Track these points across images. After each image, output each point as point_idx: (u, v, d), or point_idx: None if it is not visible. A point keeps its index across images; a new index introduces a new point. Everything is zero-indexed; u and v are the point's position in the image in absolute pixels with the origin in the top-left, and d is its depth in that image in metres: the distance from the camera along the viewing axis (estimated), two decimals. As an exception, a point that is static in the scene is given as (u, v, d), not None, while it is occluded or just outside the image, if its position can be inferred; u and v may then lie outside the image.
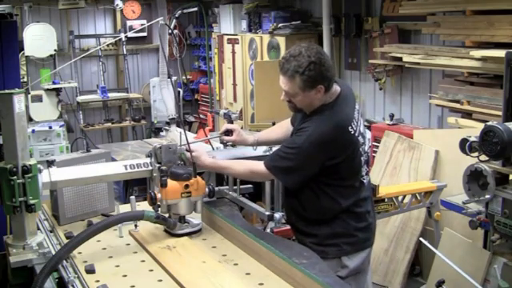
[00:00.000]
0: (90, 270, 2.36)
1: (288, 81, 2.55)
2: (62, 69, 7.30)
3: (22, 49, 7.44)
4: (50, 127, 7.42)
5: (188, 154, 2.72)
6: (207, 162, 2.74)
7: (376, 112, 5.93)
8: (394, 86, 5.62)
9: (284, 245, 2.39)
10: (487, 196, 3.17)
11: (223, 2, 7.59)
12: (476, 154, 3.17)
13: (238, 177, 2.93)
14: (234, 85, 7.39)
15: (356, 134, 2.59)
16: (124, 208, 2.98)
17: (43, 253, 2.53)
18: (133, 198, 2.79)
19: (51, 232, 2.87)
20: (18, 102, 2.51)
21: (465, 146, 3.20)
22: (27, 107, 7.18)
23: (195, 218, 2.82)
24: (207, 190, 2.77)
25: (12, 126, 2.49)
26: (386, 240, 4.67)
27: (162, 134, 6.67)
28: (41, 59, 7.95)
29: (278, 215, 2.95)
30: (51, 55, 7.88)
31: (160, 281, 2.29)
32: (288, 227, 2.97)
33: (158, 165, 2.74)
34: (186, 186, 2.65)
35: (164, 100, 6.37)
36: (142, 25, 8.05)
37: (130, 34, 8.22)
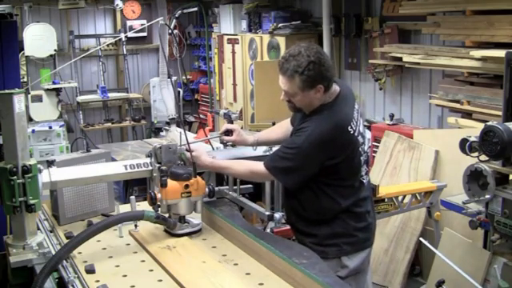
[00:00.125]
0: (90, 270, 2.36)
1: (287, 80, 2.55)
2: (62, 69, 7.30)
3: (22, 49, 7.44)
4: (50, 127, 7.42)
5: (188, 154, 2.72)
6: (207, 161, 2.74)
7: (376, 112, 5.93)
8: (394, 86, 5.62)
9: (284, 245, 2.39)
10: (487, 196, 3.17)
11: (223, 1, 7.59)
12: (476, 154, 3.17)
13: (237, 177, 2.93)
14: (234, 85, 7.39)
15: (355, 134, 2.59)
16: (124, 208, 2.98)
17: (43, 253, 2.53)
18: (133, 198, 2.79)
19: (51, 232, 2.87)
20: (18, 102, 2.51)
21: (465, 146, 3.20)
22: (27, 107, 7.18)
23: (195, 218, 2.82)
24: (207, 189, 2.77)
25: (12, 126, 2.49)
26: (385, 240, 4.67)
27: (162, 134, 6.67)
28: (41, 59, 7.95)
29: (277, 215, 2.95)
30: (51, 55, 7.88)
31: (160, 281, 2.29)
32: (288, 227, 2.97)
33: (157, 165, 2.74)
34: (186, 186, 2.65)
35: (164, 100, 6.37)
36: (142, 25, 8.05)
37: (130, 34, 8.22)
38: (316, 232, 2.66)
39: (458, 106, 4.61)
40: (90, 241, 2.46)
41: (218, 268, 2.34)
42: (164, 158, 2.75)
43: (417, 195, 4.08)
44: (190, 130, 8.59)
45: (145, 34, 8.74)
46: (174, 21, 7.73)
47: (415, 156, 4.74)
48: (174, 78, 7.58)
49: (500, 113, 3.51)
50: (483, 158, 3.13)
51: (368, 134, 5.22)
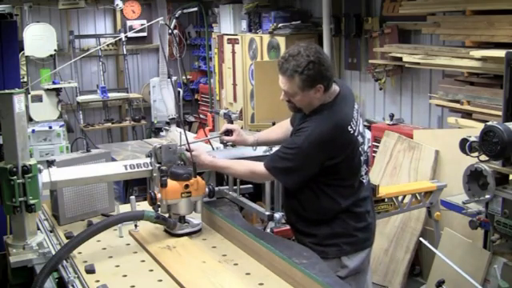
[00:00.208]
0: (90, 270, 2.36)
1: (287, 80, 2.55)
2: (62, 69, 7.30)
3: (22, 49, 7.44)
4: (50, 127, 7.42)
5: (188, 154, 2.72)
6: (207, 161, 2.74)
7: (376, 112, 5.93)
8: (394, 86, 5.62)
9: (284, 245, 2.39)
10: (487, 196, 3.17)
11: (223, 1, 7.59)
12: (476, 154, 3.17)
13: (237, 177, 2.93)
14: (234, 85, 7.39)
15: (355, 134, 2.59)
16: (124, 208, 2.98)
17: (43, 253, 2.53)
18: (133, 198, 2.79)
19: (51, 232, 2.87)
20: (18, 102, 2.51)
21: (465, 146, 3.20)
22: (27, 107, 7.18)
23: (195, 218, 2.82)
24: (207, 189, 2.77)
25: (12, 126, 2.49)
26: (385, 240, 4.67)
27: (162, 133, 6.67)
28: (41, 59, 7.95)
29: (278, 215, 2.95)
30: (51, 55, 7.88)
31: (160, 281, 2.29)
32: (288, 227, 2.97)
33: (158, 165, 2.74)
34: (186, 186, 2.65)
35: (164, 100, 6.37)
36: (142, 25, 8.05)
37: (130, 34, 8.22)
38: (316, 232, 2.66)
39: (458, 106, 4.61)
40: (90, 241, 2.46)
41: (218, 268, 2.34)
42: (164, 158, 2.75)
43: (417, 195, 4.08)
44: (189, 130, 8.59)
45: (145, 34, 8.74)
46: (174, 21, 7.73)
47: (415, 156, 4.74)
48: (174, 78, 7.58)
49: (500, 113, 3.50)
50: (483, 158, 3.13)
51: (368, 134, 5.22)
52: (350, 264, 2.65)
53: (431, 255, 4.05)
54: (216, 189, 2.92)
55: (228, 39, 7.46)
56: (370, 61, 5.62)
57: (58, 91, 7.86)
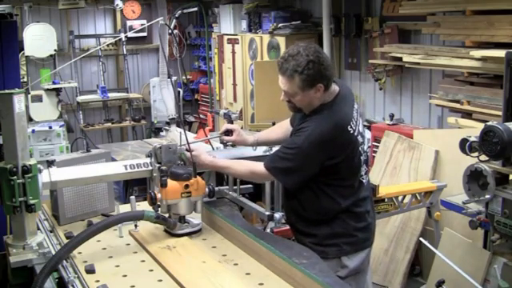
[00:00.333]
0: (90, 270, 2.36)
1: (287, 80, 2.55)
2: (62, 69, 7.30)
3: (22, 49, 7.44)
4: (50, 127, 7.42)
5: (188, 154, 2.72)
6: (207, 160, 2.74)
7: (376, 112, 5.93)
8: (393, 86, 5.62)
9: (284, 245, 2.39)
10: (487, 196, 3.17)
11: (223, 1, 7.59)
12: (476, 154, 3.17)
13: (237, 177, 2.93)
14: (234, 85, 7.39)
15: (355, 134, 2.59)
16: (124, 208, 2.98)
17: (43, 253, 2.53)
18: (133, 198, 2.79)
19: (51, 232, 2.87)
20: (18, 102, 2.51)
21: (465, 146, 3.20)
22: (27, 107, 7.18)
23: (195, 218, 2.82)
24: (207, 189, 2.76)
25: (12, 126, 2.49)
26: (385, 240, 4.67)
27: (162, 133, 6.67)
28: (41, 59, 7.95)
29: (278, 215, 2.95)
30: (51, 55, 7.88)
31: (160, 281, 2.29)
32: (288, 227, 2.97)
33: (158, 165, 2.74)
34: (186, 186, 2.65)
35: (164, 100, 6.37)
36: (142, 25, 8.05)
37: (130, 34, 8.22)
38: (316, 232, 2.66)
39: (458, 106, 4.61)
40: (90, 241, 2.45)
41: (218, 268, 2.34)
42: (164, 158, 2.75)
43: (417, 195, 4.08)
44: (189, 130, 8.59)
45: (145, 34, 8.74)
46: (174, 21, 7.73)
47: (415, 156, 4.74)
48: (174, 78, 7.58)
49: (500, 113, 3.50)
50: (483, 158, 3.13)
51: (367, 134, 5.22)
52: (349, 264, 2.65)
53: (431, 255, 4.05)
54: (216, 189, 2.92)
55: (228, 39, 7.46)
56: (370, 61, 5.62)
57: (58, 91, 7.86)
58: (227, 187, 3.14)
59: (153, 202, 2.64)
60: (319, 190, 2.62)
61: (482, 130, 3.05)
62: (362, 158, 2.67)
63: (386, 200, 3.91)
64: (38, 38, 7.68)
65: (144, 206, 2.85)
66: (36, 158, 4.35)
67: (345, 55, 6.24)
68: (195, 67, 9.31)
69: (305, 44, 2.56)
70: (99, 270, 2.38)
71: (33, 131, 7.17)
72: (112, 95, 8.52)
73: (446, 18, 4.84)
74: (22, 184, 2.49)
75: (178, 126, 6.00)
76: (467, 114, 4.58)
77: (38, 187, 2.56)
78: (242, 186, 3.05)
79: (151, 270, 2.39)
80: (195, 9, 8.23)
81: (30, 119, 7.49)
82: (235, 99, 7.39)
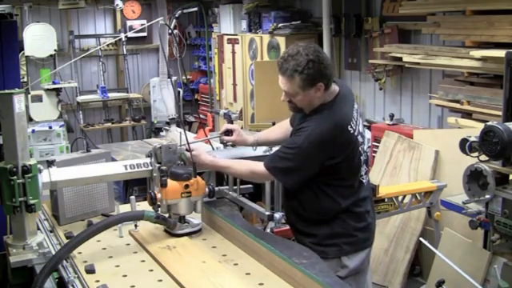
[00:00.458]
0: (90, 270, 2.36)
1: (287, 80, 2.55)
2: (62, 69, 7.30)
3: (22, 49, 7.44)
4: (50, 127, 7.42)
5: (188, 154, 2.71)
6: (207, 160, 2.74)
7: (376, 112, 5.93)
8: (393, 86, 5.62)
9: (284, 245, 2.39)
10: (487, 196, 3.17)
11: (223, 1, 7.59)
12: (476, 154, 3.17)
13: (237, 176, 2.93)
14: (234, 85, 7.39)
15: (355, 134, 2.59)
16: (124, 208, 2.98)
17: (43, 253, 2.53)
18: (133, 198, 2.79)
19: (51, 232, 2.87)
20: (18, 102, 2.51)
21: (465, 146, 3.20)
22: (27, 107, 7.18)
23: (195, 218, 2.82)
24: (207, 189, 2.76)
25: (12, 126, 2.49)
26: (385, 240, 4.67)
27: (162, 133, 6.67)
28: (41, 59, 7.95)
29: (278, 215, 2.95)
30: (51, 55, 7.88)
31: (160, 281, 2.29)
32: (288, 227, 2.97)
33: (158, 165, 2.74)
34: (186, 186, 2.65)
35: (164, 100, 6.37)
36: (142, 25, 8.05)
37: (130, 34, 8.22)
38: (316, 232, 2.66)
39: (458, 106, 4.61)
40: (90, 241, 2.45)
41: (218, 268, 2.34)
42: (164, 158, 2.75)
43: (417, 195, 4.08)
44: (189, 130, 8.59)
45: (145, 34, 8.74)
46: (174, 21, 7.73)
47: (415, 156, 4.74)
48: (174, 78, 7.58)
49: (500, 113, 3.50)
50: (483, 158, 3.13)
51: (367, 134, 5.22)
52: (349, 264, 2.65)
53: (431, 255, 4.05)
54: (216, 189, 2.92)
55: (228, 39, 7.46)
56: (370, 61, 5.62)
57: (58, 91, 7.86)
58: (227, 187, 3.14)
59: (153, 201, 2.63)
60: (319, 189, 2.62)
61: (482, 130, 3.05)
62: (362, 158, 2.67)
63: (386, 200, 3.91)
64: (37, 38, 7.68)
65: (144, 206, 2.85)
66: (36, 158, 4.35)
67: (345, 55, 6.24)
68: (195, 67, 9.31)
69: (304, 44, 2.57)
70: (99, 269, 2.38)
71: (33, 131, 7.17)
72: (112, 95, 8.52)
73: (446, 18, 4.84)
74: (22, 184, 2.49)
75: (178, 126, 6.00)
76: (467, 114, 4.58)
77: (38, 187, 2.56)
78: (242, 186, 3.05)
79: (151, 270, 2.39)
80: (195, 9, 8.23)
81: (30, 119, 7.49)
82: (235, 99, 7.39)
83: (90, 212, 3.06)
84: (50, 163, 2.73)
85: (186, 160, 2.75)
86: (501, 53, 3.60)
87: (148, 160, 2.81)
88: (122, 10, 8.57)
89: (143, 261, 2.49)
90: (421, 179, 4.55)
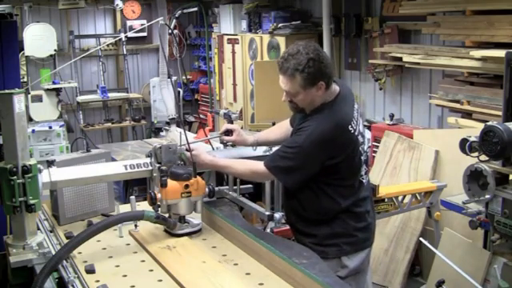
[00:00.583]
0: (90, 270, 2.36)
1: (288, 80, 2.55)
2: (62, 69, 7.30)
3: (22, 49, 7.44)
4: (50, 127, 7.42)
5: (188, 154, 2.71)
6: (207, 160, 2.74)
7: (376, 112, 5.93)
8: (393, 86, 5.62)
9: (284, 245, 2.39)
10: (487, 196, 3.17)
11: (223, 1, 7.59)
12: (476, 154, 3.17)
13: (237, 176, 2.92)
14: (234, 85, 7.39)
15: (356, 134, 2.60)
16: (124, 208, 2.98)
17: (43, 253, 2.53)
18: (133, 198, 2.79)
19: (51, 232, 2.87)
20: (18, 102, 2.51)
21: (465, 146, 3.20)
22: (27, 107, 7.18)
23: (195, 218, 2.82)
24: (207, 189, 2.76)
25: (12, 126, 2.49)
26: (385, 240, 4.67)
27: (162, 133, 6.67)
28: (41, 59, 7.95)
29: (278, 215, 2.95)
30: (51, 55, 7.88)
31: (160, 281, 2.29)
32: (288, 227, 2.97)
33: (158, 165, 2.74)
34: (186, 186, 2.65)
35: (164, 100, 6.37)
36: (142, 25, 8.05)
37: (130, 34, 8.22)
38: (316, 232, 2.66)
39: (458, 106, 4.61)
40: (90, 241, 2.45)
41: (218, 268, 2.34)
42: (164, 158, 2.75)
43: (417, 195, 4.08)
44: (189, 130, 8.59)
45: (145, 34, 8.74)
46: (174, 21, 7.72)
47: (415, 156, 4.74)
48: (174, 78, 7.58)
49: (500, 113, 3.50)
50: (483, 158, 3.13)
51: (367, 134, 5.22)
52: (350, 264, 2.65)
53: (431, 255, 4.05)
54: (216, 189, 2.92)
55: (228, 39, 7.46)
56: (370, 61, 5.62)
57: (58, 91, 7.86)
58: (227, 187, 3.14)
59: (153, 201, 2.63)
60: (319, 189, 2.62)
61: (482, 130, 3.05)
62: (362, 157, 2.67)
63: (386, 200, 3.91)
64: (38, 38, 7.68)
65: (144, 206, 2.85)
66: (36, 158, 4.35)
67: (345, 55, 6.24)
68: (195, 67, 9.31)
69: (304, 43, 2.57)
70: (99, 269, 2.38)
71: (33, 131, 7.17)
72: (112, 95, 8.52)
73: (446, 18, 4.84)
74: (22, 184, 2.49)
75: (178, 125, 5.99)
76: (467, 114, 4.58)
77: (38, 187, 2.56)
78: (242, 186, 3.05)
79: (151, 270, 2.39)
80: (195, 9, 8.23)
81: (30, 119, 7.49)
82: (235, 99, 7.39)
83: (89, 212, 3.05)
84: (49, 163, 2.73)
85: (186, 160, 2.75)
86: (501, 53, 3.60)
87: (148, 160, 2.81)
88: (121, 10, 8.57)
89: (143, 261, 2.49)
90: (421, 179, 4.55)
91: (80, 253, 2.52)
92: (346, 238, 2.65)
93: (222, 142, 3.29)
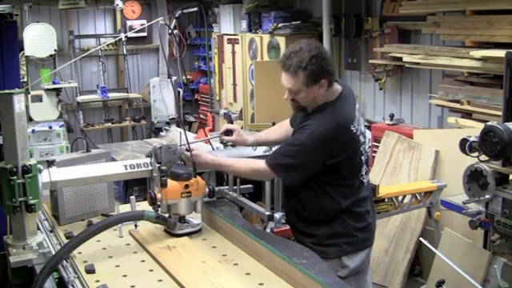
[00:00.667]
0: (90, 270, 2.36)
1: (291, 77, 2.54)
2: (62, 69, 7.30)
3: (22, 49, 7.44)
4: (50, 127, 7.42)
5: (188, 154, 2.71)
6: (208, 159, 2.73)
7: (376, 112, 5.93)
8: (393, 86, 5.62)
9: (284, 245, 2.39)
10: (487, 196, 3.17)
11: (223, 1, 7.59)
12: (476, 154, 3.17)
13: (239, 175, 2.91)
14: (234, 85, 7.39)
15: (357, 133, 2.60)
16: (124, 208, 2.98)
17: (43, 253, 2.53)
18: (133, 198, 2.79)
19: (51, 232, 2.87)
20: (18, 102, 2.51)
21: (465, 146, 3.20)
22: (27, 107, 7.18)
23: (195, 218, 2.82)
24: (207, 189, 2.76)
25: (12, 126, 2.49)
26: (385, 240, 4.67)
27: (162, 133, 6.67)
28: (41, 59, 7.95)
29: (278, 215, 2.95)
30: (51, 55, 7.88)
31: (160, 281, 2.29)
32: (288, 227, 2.96)
33: (158, 165, 2.74)
34: (186, 186, 2.65)
35: (164, 100, 6.37)
36: (142, 25, 8.05)
37: (130, 34, 8.22)
38: (316, 232, 2.66)
39: (458, 106, 4.61)
40: (90, 241, 2.45)
41: (218, 268, 2.34)
42: (164, 158, 2.75)
43: (417, 195, 4.08)
44: (189, 130, 8.59)
45: (145, 34, 8.74)
46: (174, 21, 7.72)
47: (415, 156, 4.74)
48: (174, 78, 7.58)
49: (500, 113, 3.50)
50: (483, 158, 3.13)
51: (368, 134, 5.22)
52: (350, 264, 2.65)
53: (431, 255, 4.05)
54: (216, 189, 2.92)
55: (228, 39, 7.45)
56: (370, 61, 5.62)
57: (58, 91, 7.86)
58: (227, 187, 3.14)
59: (153, 201, 2.63)
60: (320, 189, 2.62)
61: (482, 130, 3.05)
62: (363, 157, 2.67)
63: (386, 200, 3.91)
64: (37, 38, 7.68)
65: (144, 206, 2.85)
66: (36, 158, 4.35)
67: (345, 55, 6.24)
68: (195, 67, 9.31)
69: (306, 41, 2.58)
70: (99, 269, 2.38)
71: (33, 131, 7.17)
72: (112, 95, 8.52)
73: (446, 18, 4.84)
74: (22, 184, 2.49)
75: (178, 125, 5.99)
76: (467, 114, 4.58)
77: (38, 187, 2.56)
78: (242, 186, 3.05)
79: (151, 270, 2.39)
80: (195, 9, 8.23)
81: (30, 119, 7.49)
82: (235, 99, 7.39)
83: (90, 212, 3.05)
84: (49, 163, 2.73)
85: (186, 160, 2.75)
86: (501, 53, 3.60)
87: (148, 160, 2.81)
88: (121, 10, 8.57)
89: (143, 261, 2.49)
90: (421, 179, 4.55)
91: (80, 253, 2.52)
92: (346, 237, 2.64)
93: (221, 142, 3.29)
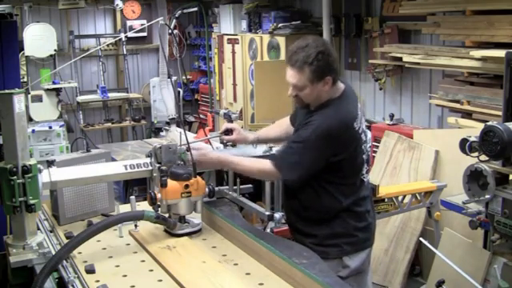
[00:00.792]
0: (90, 270, 2.36)
1: (297, 72, 2.54)
2: (62, 69, 7.30)
3: (22, 49, 7.44)
4: (50, 127, 7.42)
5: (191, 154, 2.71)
6: (214, 158, 2.72)
7: (376, 112, 5.93)
8: (393, 86, 5.62)
9: (284, 245, 2.39)
10: (487, 196, 3.17)
11: (223, 1, 7.59)
12: (476, 154, 3.17)
13: (246, 174, 2.84)
14: (234, 85, 7.39)
15: (360, 131, 2.60)
16: (124, 208, 2.98)
17: (43, 253, 2.53)
18: (133, 198, 2.79)
19: (51, 232, 2.87)
20: (18, 102, 2.51)
21: (465, 146, 3.20)
22: (27, 107, 7.18)
23: (195, 218, 2.82)
24: (207, 189, 2.76)
25: (12, 126, 2.49)
26: (386, 240, 4.67)
27: (162, 133, 6.66)
28: (41, 59, 7.95)
29: (278, 215, 2.95)
30: (51, 55, 7.88)
31: (160, 281, 2.29)
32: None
33: (158, 165, 2.73)
34: (186, 186, 2.65)
35: (164, 100, 6.36)
36: (142, 25, 8.05)
37: (130, 34, 8.23)
38: (316, 232, 2.66)
39: (458, 106, 4.61)
40: (90, 241, 2.45)
41: (218, 268, 2.34)
42: (164, 158, 2.74)
43: (417, 195, 4.08)
44: (189, 130, 8.59)
45: (145, 34, 8.74)
46: (174, 21, 7.72)
47: (415, 156, 4.74)
48: (174, 78, 7.58)
49: (500, 113, 3.50)
50: (483, 158, 3.13)
51: (369, 134, 5.22)
52: (351, 264, 2.65)
53: (431, 255, 4.05)
54: (216, 189, 2.92)
55: (228, 39, 7.45)
56: (370, 61, 5.62)
57: (58, 91, 7.86)
58: (227, 187, 3.14)
59: (153, 201, 2.63)
60: (320, 187, 2.62)
61: (482, 130, 3.05)
62: (364, 156, 2.67)
63: (386, 200, 3.91)
64: (37, 38, 7.68)
65: (144, 206, 2.85)
66: (36, 158, 4.35)
67: (345, 55, 6.24)
68: (195, 67, 9.31)
69: (313, 37, 2.59)
70: (99, 269, 2.38)
71: (33, 131, 7.17)
72: (112, 95, 8.52)
73: (446, 18, 4.84)
74: (22, 184, 2.49)
75: (177, 125, 5.99)
76: (467, 114, 4.58)
77: (38, 187, 2.56)
78: (242, 186, 3.05)
79: (151, 270, 2.39)
80: (195, 9, 8.23)
81: (30, 119, 7.49)
82: (235, 99, 7.39)
83: (90, 212, 3.05)
84: (49, 163, 2.73)
85: (187, 160, 2.75)
86: (501, 53, 3.60)
87: (148, 160, 2.81)
88: (121, 10, 8.57)
89: (143, 261, 2.49)
90: (421, 179, 4.55)
91: (80, 253, 2.52)
92: (346, 238, 2.65)
93: (221, 142, 3.29)
